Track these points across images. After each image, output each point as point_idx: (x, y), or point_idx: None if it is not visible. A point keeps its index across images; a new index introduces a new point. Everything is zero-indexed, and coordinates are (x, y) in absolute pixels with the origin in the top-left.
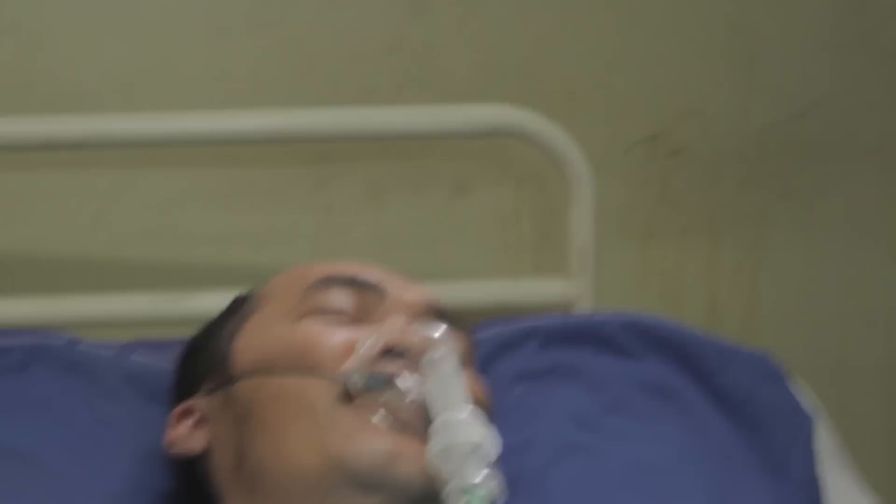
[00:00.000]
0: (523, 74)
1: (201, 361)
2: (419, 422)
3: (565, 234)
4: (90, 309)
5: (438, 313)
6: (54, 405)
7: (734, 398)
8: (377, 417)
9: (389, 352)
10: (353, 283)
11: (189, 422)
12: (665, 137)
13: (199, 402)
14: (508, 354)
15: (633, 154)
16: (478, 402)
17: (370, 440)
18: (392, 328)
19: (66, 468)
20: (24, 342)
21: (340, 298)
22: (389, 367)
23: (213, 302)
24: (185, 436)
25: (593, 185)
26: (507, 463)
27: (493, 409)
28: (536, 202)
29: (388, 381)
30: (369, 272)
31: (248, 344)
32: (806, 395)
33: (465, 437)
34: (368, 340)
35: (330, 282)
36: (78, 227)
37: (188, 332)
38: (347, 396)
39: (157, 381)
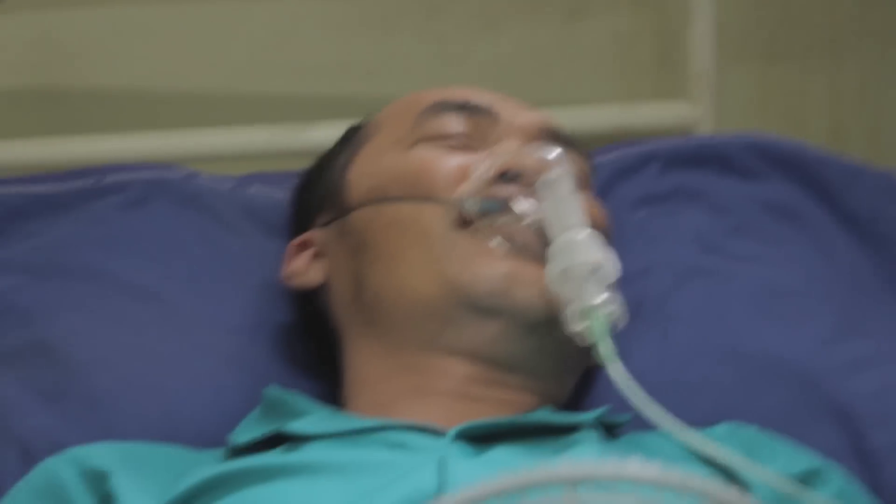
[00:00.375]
0: None
1: (316, 194)
2: (537, 245)
3: (685, 55)
4: (206, 143)
5: (554, 135)
6: (174, 239)
7: (861, 218)
8: (494, 242)
9: (504, 175)
10: (465, 107)
11: (306, 254)
12: None
13: (316, 235)
14: (629, 179)
15: None
16: (596, 225)
17: (487, 264)
18: (506, 151)
19: (186, 302)
20: (143, 176)
21: (453, 123)
22: (505, 190)
23: (329, 133)
24: (303, 268)
25: (713, 5)
26: (629, 288)
27: (614, 234)
28: (655, 24)
29: (503, 205)
30: (482, 96)
31: (362, 173)
32: None
33: (583, 257)
34: (483, 164)
35: (442, 106)
36: (194, 60)
37: (305, 165)
38: (463, 221)
39: (276, 213)
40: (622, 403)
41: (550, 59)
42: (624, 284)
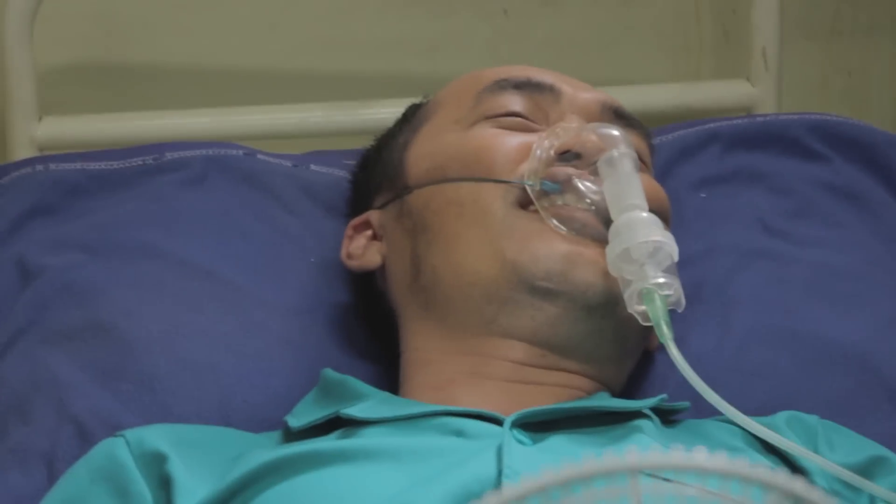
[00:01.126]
0: None
1: (376, 173)
2: (597, 225)
3: (747, 33)
4: (265, 121)
5: (616, 114)
6: (233, 217)
7: None
8: (553, 222)
9: (565, 154)
10: (526, 86)
11: (365, 236)
12: None
13: (374, 216)
14: (690, 159)
15: None
16: (657, 205)
17: (548, 244)
18: (567, 129)
19: (244, 281)
20: (202, 154)
21: (514, 101)
22: (566, 169)
23: (388, 111)
24: (361, 250)
25: None
26: (690, 270)
27: (673, 215)
28: (717, 1)
29: (565, 183)
30: (544, 74)
31: (421, 152)
32: None
33: (644, 237)
34: (544, 143)
35: (503, 84)
36: (252, 37)
37: (363, 143)
38: (523, 201)
39: (334, 192)
40: (679, 390)
41: (611, 37)
42: (684, 266)
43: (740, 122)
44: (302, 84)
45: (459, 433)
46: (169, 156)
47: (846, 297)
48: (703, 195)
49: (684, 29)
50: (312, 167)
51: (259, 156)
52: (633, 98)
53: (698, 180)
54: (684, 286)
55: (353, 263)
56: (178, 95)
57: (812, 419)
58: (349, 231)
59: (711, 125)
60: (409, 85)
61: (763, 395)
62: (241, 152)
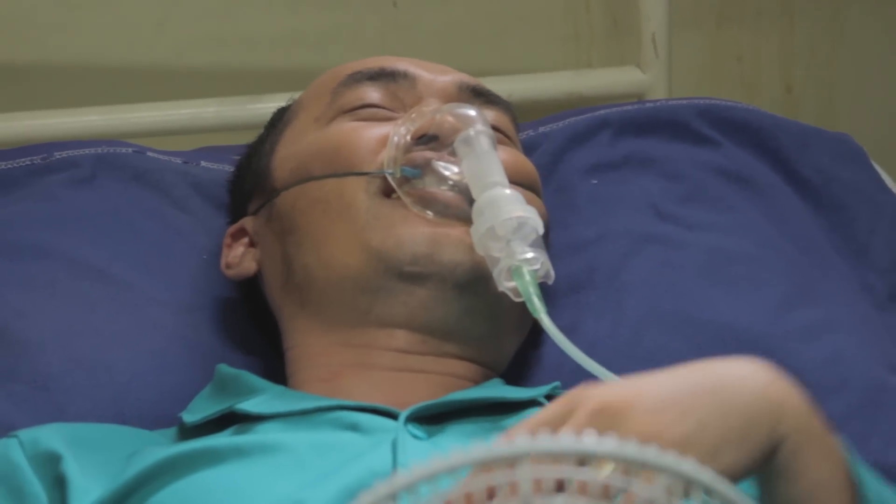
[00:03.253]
0: None
1: (247, 180)
2: (460, 205)
3: (637, 21)
4: (155, 117)
5: (474, 92)
6: (124, 216)
7: (814, 181)
8: (417, 205)
9: (422, 137)
10: (380, 75)
11: (242, 242)
12: None
13: (249, 222)
14: (581, 145)
15: None
16: (523, 177)
17: (412, 228)
18: (423, 113)
19: (137, 279)
20: (91, 152)
21: (369, 92)
22: (424, 153)
23: (279, 105)
24: (239, 257)
25: None
26: (584, 255)
27: (566, 202)
28: None
29: (424, 167)
30: (397, 62)
31: (285, 155)
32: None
33: (507, 213)
34: (400, 129)
35: (357, 77)
36: (140, 33)
37: (255, 138)
38: (386, 190)
39: (225, 189)
40: (573, 378)
41: (501, 27)
42: (576, 253)
43: (630, 108)
44: (192, 80)
45: (354, 428)
46: (57, 155)
47: (739, 280)
48: (595, 181)
49: (574, 17)
50: (203, 163)
51: (149, 153)
52: (524, 87)
53: (590, 166)
54: (577, 272)
55: (232, 273)
56: (66, 94)
57: None
58: (227, 240)
59: (602, 112)
60: (301, 78)
61: None
62: (130, 150)
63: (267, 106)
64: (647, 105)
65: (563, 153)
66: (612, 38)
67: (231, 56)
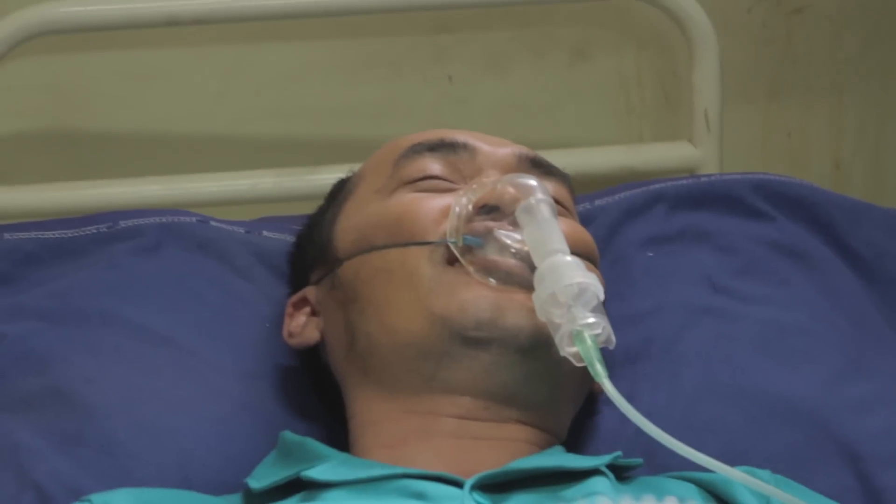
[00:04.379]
0: None
1: (309, 250)
2: (523, 272)
3: (689, 96)
4: (216, 187)
5: (533, 163)
6: (187, 284)
7: (867, 255)
8: (480, 273)
9: (483, 208)
10: (440, 147)
11: (303, 313)
12: None
13: (311, 291)
14: (636, 219)
15: (755, 13)
16: (581, 248)
17: (475, 293)
18: (483, 184)
19: (199, 347)
20: (156, 221)
21: (430, 164)
22: (485, 223)
23: (337, 177)
24: (301, 326)
25: (716, 46)
26: (640, 327)
27: (622, 274)
28: (658, 65)
29: (486, 236)
30: (457, 134)
31: (347, 226)
32: None
33: (569, 279)
34: (461, 199)
35: (417, 149)
36: (201, 104)
37: (313, 208)
38: (448, 258)
39: (286, 258)
40: (631, 446)
41: (556, 99)
42: (633, 324)
43: (685, 182)
44: (252, 150)
45: (420, 496)
46: (123, 224)
47: (793, 353)
48: (651, 254)
49: (626, 92)
50: (265, 233)
51: (212, 222)
52: (577, 161)
53: (645, 239)
54: (633, 343)
55: (294, 341)
56: (129, 163)
57: (765, 474)
58: (289, 309)
59: (657, 185)
60: (357, 150)
61: (715, 451)
62: (194, 219)
63: (324, 177)
64: (702, 179)
65: (619, 226)
66: (663, 113)
67: (289, 127)
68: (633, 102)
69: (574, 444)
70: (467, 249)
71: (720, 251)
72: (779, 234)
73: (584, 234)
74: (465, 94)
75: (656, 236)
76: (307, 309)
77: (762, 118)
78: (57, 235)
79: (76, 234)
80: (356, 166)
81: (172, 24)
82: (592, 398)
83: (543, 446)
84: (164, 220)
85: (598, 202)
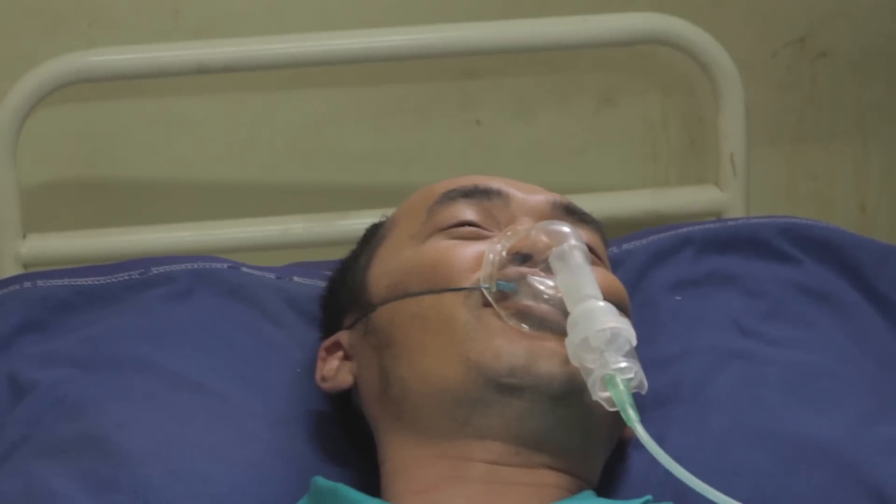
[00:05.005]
0: None
1: (342, 295)
2: (556, 318)
3: (714, 140)
4: (247, 234)
5: (566, 211)
6: (219, 330)
7: (893, 298)
8: (514, 318)
9: (517, 255)
10: (474, 193)
11: (336, 357)
12: (812, 39)
13: (345, 336)
14: (664, 263)
15: (780, 57)
16: (613, 296)
17: (508, 341)
18: (517, 231)
19: (232, 393)
20: (188, 268)
21: (464, 210)
22: (519, 269)
23: (366, 222)
24: (334, 370)
25: (742, 90)
26: (669, 370)
27: (650, 318)
28: (684, 110)
29: (519, 282)
30: (490, 180)
31: (381, 271)
32: None
33: (601, 325)
34: (496, 247)
35: (451, 195)
36: (230, 151)
37: (343, 254)
38: (482, 305)
39: (316, 304)
40: (661, 490)
41: (583, 144)
42: (661, 368)
43: (712, 226)
44: (281, 196)
45: None
46: (154, 270)
47: (821, 396)
48: (679, 298)
49: (653, 137)
50: (295, 279)
51: (243, 269)
52: (604, 205)
53: (673, 283)
54: (662, 387)
55: (327, 385)
56: (160, 210)
57: None
58: (321, 353)
59: (684, 229)
60: (387, 195)
61: (744, 494)
62: (225, 265)
63: (353, 223)
64: (729, 223)
65: (647, 270)
66: (690, 157)
67: (318, 173)
68: (659, 147)
69: (604, 488)
70: (501, 295)
71: (747, 294)
72: (806, 277)
73: (616, 283)
74: (493, 139)
75: (684, 280)
76: (340, 353)
77: (787, 162)
78: (90, 282)
79: (108, 281)
80: (386, 212)
81: (202, 73)
82: (622, 444)
83: (574, 491)
84: (195, 266)
85: (625, 246)
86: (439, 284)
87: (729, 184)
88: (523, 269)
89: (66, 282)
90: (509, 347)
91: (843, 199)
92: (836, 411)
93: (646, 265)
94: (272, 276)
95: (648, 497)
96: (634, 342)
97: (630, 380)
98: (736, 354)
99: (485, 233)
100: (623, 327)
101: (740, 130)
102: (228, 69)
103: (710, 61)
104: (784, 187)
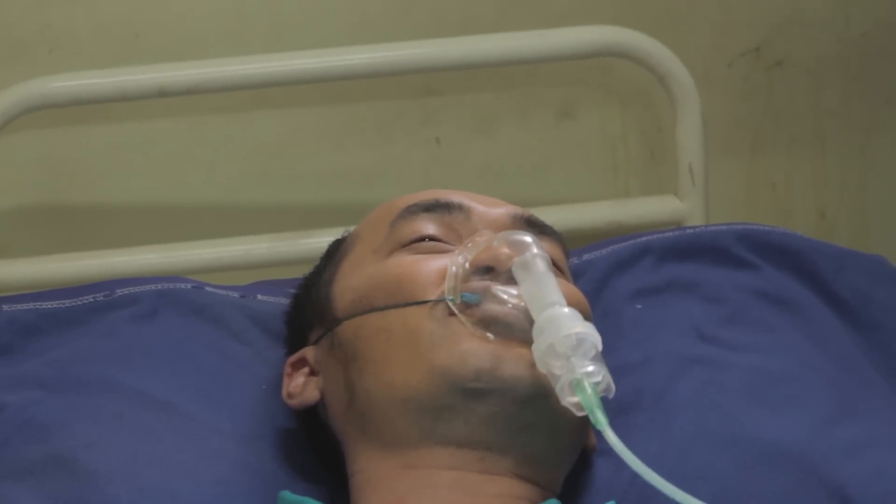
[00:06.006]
0: None
1: (306, 311)
2: (521, 325)
3: (673, 151)
4: (211, 254)
5: (528, 223)
6: (185, 349)
7: (852, 302)
8: (479, 326)
9: (481, 266)
10: (435, 207)
11: (303, 372)
12: (767, 48)
13: (310, 351)
14: (624, 272)
15: (736, 67)
16: (576, 306)
17: (475, 345)
18: (479, 243)
19: (199, 411)
20: (152, 289)
21: (425, 224)
22: (483, 280)
23: (329, 240)
24: (301, 387)
25: (699, 101)
26: (631, 378)
27: (612, 326)
28: (642, 122)
29: (483, 293)
30: (451, 194)
31: (345, 286)
32: None
33: (567, 330)
34: (458, 259)
35: (413, 210)
36: (193, 173)
37: (307, 272)
38: (447, 315)
39: (281, 321)
40: (625, 499)
41: (543, 158)
42: (623, 375)
43: (671, 234)
44: (245, 216)
45: None
46: (119, 292)
47: (782, 399)
48: (639, 306)
49: (612, 149)
50: (259, 297)
51: (207, 288)
52: (565, 217)
53: (634, 292)
54: (624, 394)
55: (294, 402)
56: (125, 233)
57: None
58: (287, 369)
59: (643, 238)
60: (350, 214)
61: (708, 498)
62: (189, 286)
63: (317, 241)
64: (688, 231)
65: (607, 279)
66: (649, 168)
67: (281, 193)
68: (619, 159)
69: (569, 497)
70: (465, 306)
71: (707, 301)
72: (765, 282)
73: (577, 295)
74: (454, 155)
75: (644, 288)
76: (305, 369)
77: (746, 171)
78: (55, 306)
79: (74, 304)
80: (350, 229)
81: (163, 96)
82: (586, 452)
83: (539, 500)
84: (159, 287)
85: (586, 256)
86: (404, 298)
87: (688, 194)
88: (487, 280)
89: (31, 305)
90: (475, 351)
91: (802, 206)
92: (797, 414)
93: (606, 274)
94: (236, 294)
95: (612, 502)
96: (600, 347)
97: (598, 384)
98: (697, 360)
99: (447, 247)
100: (589, 332)
101: (698, 141)
102: (189, 92)
103: (666, 73)
104: (743, 196)
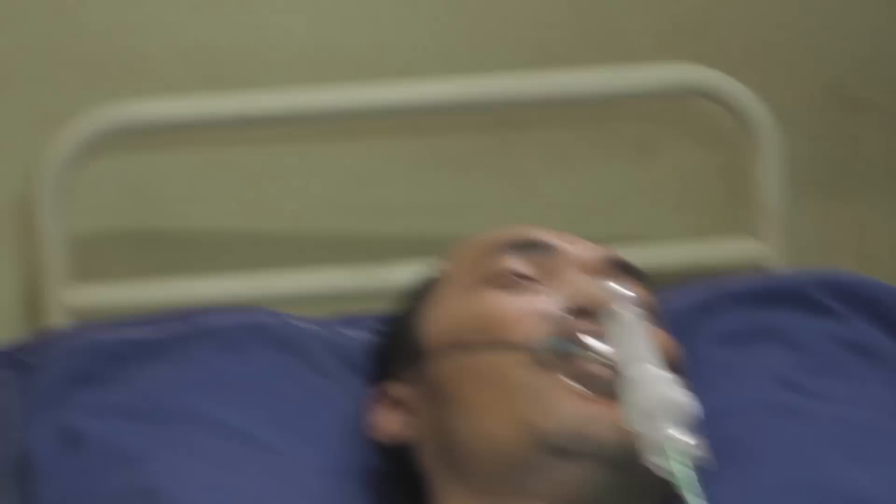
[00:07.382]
0: (701, 32)
1: (393, 345)
2: (611, 380)
3: (753, 192)
4: (287, 284)
5: (619, 267)
6: (269, 381)
7: None
8: (568, 380)
9: (574, 311)
10: (527, 246)
11: (387, 406)
12: (850, 89)
13: (395, 385)
14: (708, 317)
15: (817, 107)
16: (667, 356)
17: (564, 403)
18: (572, 287)
19: (282, 444)
20: (238, 321)
21: (516, 262)
22: (574, 327)
23: (407, 273)
24: (384, 420)
25: (779, 142)
26: (713, 427)
27: (690, 369)
28: (722, 161)
29: (576, 342)
30: (544, 234)
31: (435, 323)
32: None
33: (659, 392)
34: (549, 303)
35: (503, 247)
36: (269, 202)
37: (383, 305)
38: (538, 364)
39: (361, 355)
40: None
41: (622, 195)
42: (707, 423)
43: (755, 280)
44: (324, 246)
45: None
46: (203, 322)
47: (868, 451)
48: (724, 353)
49: (692, 188)
50: (342, 330)
51: (290, 321)
52: (644, 256)
53: (717, 337)
54: (709, 444)
55: (377, 435)
56: (204, 260)
57: None
58: (370, 402)
59: (726, 282)
60: (428, 246)
61: None
62: (272, 317)
63: (394, 274)
64: (771, 277)
65: (690, 324)
66: (729, 208)
67: (362, 223)
68: (698, 199)
69: None
70: (556, 355)
71: (792, 349)
72: (850, 332)
73: (670, 343)
74: (533, 189)
75: (727, 333)
76: (390, 404)
77: (827, 214)
78: (142, 335)
79: (159, 333)
80: (426, 263)
81: (239, 125)
82: None
83: None
84: (244, 318)
85: (667, 299)
86: (493, 338)
87: (768, 235)
88: (579, 327)
89: (117, 335)
90: (563, 409)
91: (885, 251)
92: (883, 467)
93: (689, 319)
94: (318, 327)
95: None
96: (690, 409)
97: (688, 451)
98: (782, 409)
99: (537, 286)
100: (678, 394)
101: (778, 182)
102: (272, 121)
103: (746, 114)
104: (824, 240)
